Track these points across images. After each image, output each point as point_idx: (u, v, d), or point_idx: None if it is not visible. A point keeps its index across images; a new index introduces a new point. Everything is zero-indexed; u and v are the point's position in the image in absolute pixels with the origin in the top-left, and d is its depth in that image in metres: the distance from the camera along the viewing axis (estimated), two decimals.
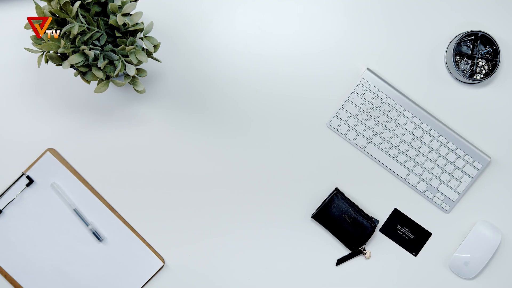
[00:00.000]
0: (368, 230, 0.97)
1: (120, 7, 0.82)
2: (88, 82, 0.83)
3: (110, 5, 0.81)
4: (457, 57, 0.98)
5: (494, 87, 1.00)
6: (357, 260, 0.99)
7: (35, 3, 0.80)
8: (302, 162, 0.99)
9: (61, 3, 0.77)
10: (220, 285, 0.99)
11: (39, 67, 0.82)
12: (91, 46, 0.81)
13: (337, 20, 1.00)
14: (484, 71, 0.99)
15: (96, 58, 0.81)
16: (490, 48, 0.99)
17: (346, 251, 1.00)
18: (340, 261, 1.00)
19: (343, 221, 0.97)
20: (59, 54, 0.80)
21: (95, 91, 0.83)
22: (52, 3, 0.79)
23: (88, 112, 0.99)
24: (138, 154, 0.99)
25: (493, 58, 0.98)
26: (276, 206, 0.99)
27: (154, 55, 0.87)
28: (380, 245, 1.00)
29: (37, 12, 0.80)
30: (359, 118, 0.99)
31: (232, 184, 1.00)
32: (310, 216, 0.99)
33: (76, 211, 0.97)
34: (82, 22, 0.79)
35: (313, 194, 0.99)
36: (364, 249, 0.98)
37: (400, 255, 1.00)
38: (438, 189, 0.99)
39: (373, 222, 0.97)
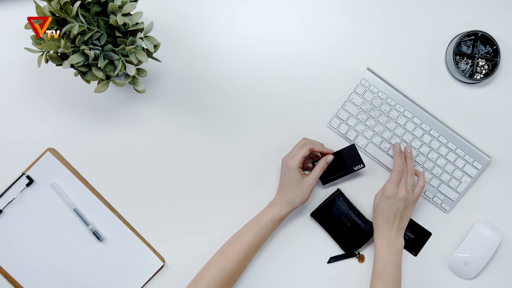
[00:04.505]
0: (366, 234, 0.97)
1: (120, 7, 0.82)
2: (88, 82, 0.83)
3: (110, 5, 0.81)
4: (457, 57, 0.98)
5: (494, 87, 1.00)
6: (350, 261, 0.99)
7: (35, 3, 0.80)
8: None
9: (61, 3, 0.77)
10: None
11: (39, 67, 0.82)
12: (91, 46, 0.81)
13: (337, 20, 1.00)
14: (484, 71, 0.99)
15: (96, 58, 0.81)
16: (490, 48, 0.99)
17: (340, 251, 1.00)
18: (332, 259, 0.99)
19: (341, 222, 0.97)
20: (59, 54, 0.80)
21: (95, 91, 0.83)
22: (52, 3, 0.79)
23: (88, 112, 0.99)
24: (138, 154, 0.99)
25: (493, 58, 0.98)
26: None
27: (154, 55, 0.87)
28: None
29: (37, 12, 0.80)
30: (359, 118, 0.99)
31: (232, 183, 1.00)
32: (309, 214, 0.99)
33: (76, 211, 0.97)
34: (82, 22, 0.79)
35: (313, 193, 0.99)
36: (359, 253, 0.98)
37: None
38: (438, 189, 0.99)
39: (371, 227, 0.97)
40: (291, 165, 0.91)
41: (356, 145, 0.96)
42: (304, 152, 0.91)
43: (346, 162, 0.96)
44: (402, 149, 0.97)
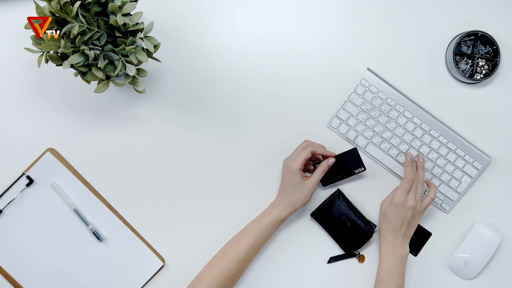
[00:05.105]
0: (365, 234, 0.97)
1: (120, 7, 0.82)
2: (88, 82, 0.83)
3: (110, 5, 0.81)
4: (457, 57, 0.98)
5: (494, 87, 1.00)
6: (350, 261, 0.99)
7: (35, 3, 0.80)
8: None
9: (61, 3, 0.77)
10: None
11: (39, 67, 0.82)
12: (91, 46, 0.81)
13: (337, 20, 1.00)
14: (484, 71, 0.99)
15: (96, 58, 0.81)
16: (490, 48, 0.99)
17: (340, 251, 1.00)
18: (332, 259, 0.99)
19: (341, 222, 0.97)
20: (59, 54, 0.80)
21: (95, 91, 0.83)
22: (52, 3, 0.79)
23: (88, 112, 0.99)
24: (138, 154, 0.99)
25: (493, 58, 0.98)
26: None
27: (154, 55, 0.87)
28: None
29: (37, 12, 0.80)
30: (359, 118, 0.99)
31: (232, 183, 1.00)
32: (309, 214, 0.99)
33: (76, 211, 0.97)
34: (82, 22, 0.79)
35: (314, 193, 0.99)
36: (359, 253, 0.99)
37: None
38: (438, 189, 0.99)
39: (371, 227, 0.97)
40: (293, 167, 0.91)
41: (357, 149, 0.96)
42: (306, 154, 0.91)
43: (347, 165, 0.96)
44: (415, 158, 0.97)
